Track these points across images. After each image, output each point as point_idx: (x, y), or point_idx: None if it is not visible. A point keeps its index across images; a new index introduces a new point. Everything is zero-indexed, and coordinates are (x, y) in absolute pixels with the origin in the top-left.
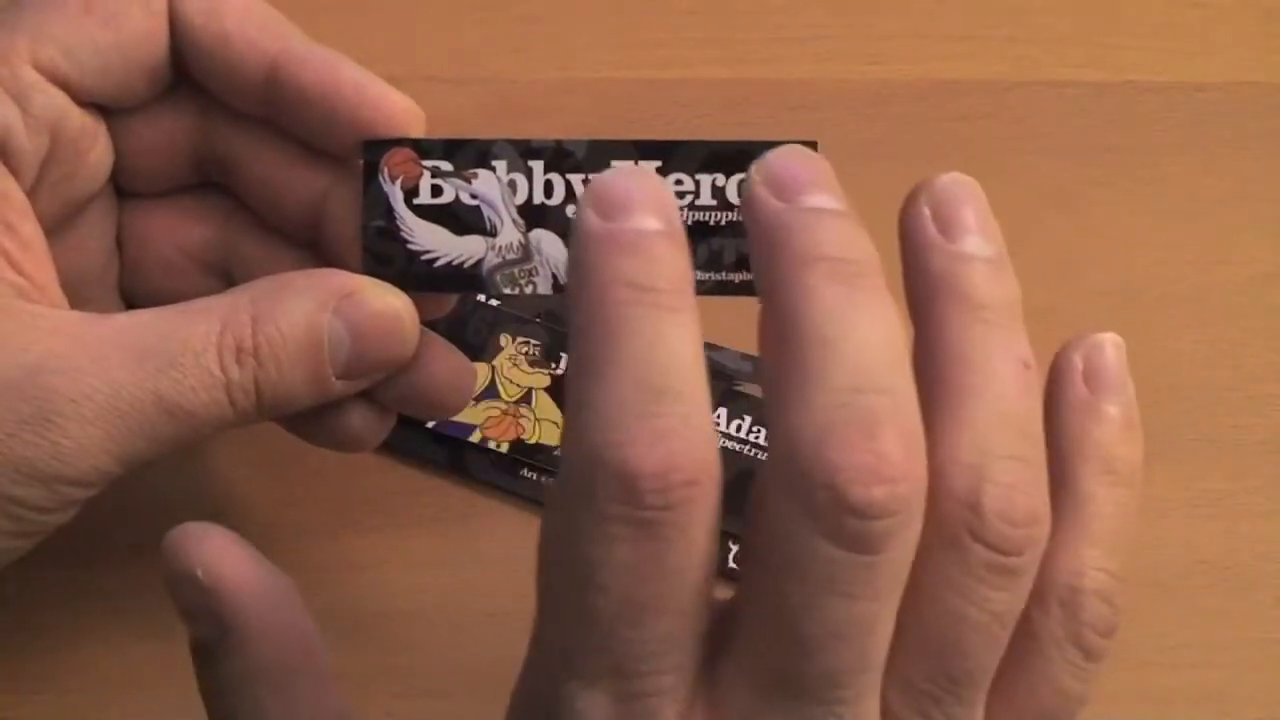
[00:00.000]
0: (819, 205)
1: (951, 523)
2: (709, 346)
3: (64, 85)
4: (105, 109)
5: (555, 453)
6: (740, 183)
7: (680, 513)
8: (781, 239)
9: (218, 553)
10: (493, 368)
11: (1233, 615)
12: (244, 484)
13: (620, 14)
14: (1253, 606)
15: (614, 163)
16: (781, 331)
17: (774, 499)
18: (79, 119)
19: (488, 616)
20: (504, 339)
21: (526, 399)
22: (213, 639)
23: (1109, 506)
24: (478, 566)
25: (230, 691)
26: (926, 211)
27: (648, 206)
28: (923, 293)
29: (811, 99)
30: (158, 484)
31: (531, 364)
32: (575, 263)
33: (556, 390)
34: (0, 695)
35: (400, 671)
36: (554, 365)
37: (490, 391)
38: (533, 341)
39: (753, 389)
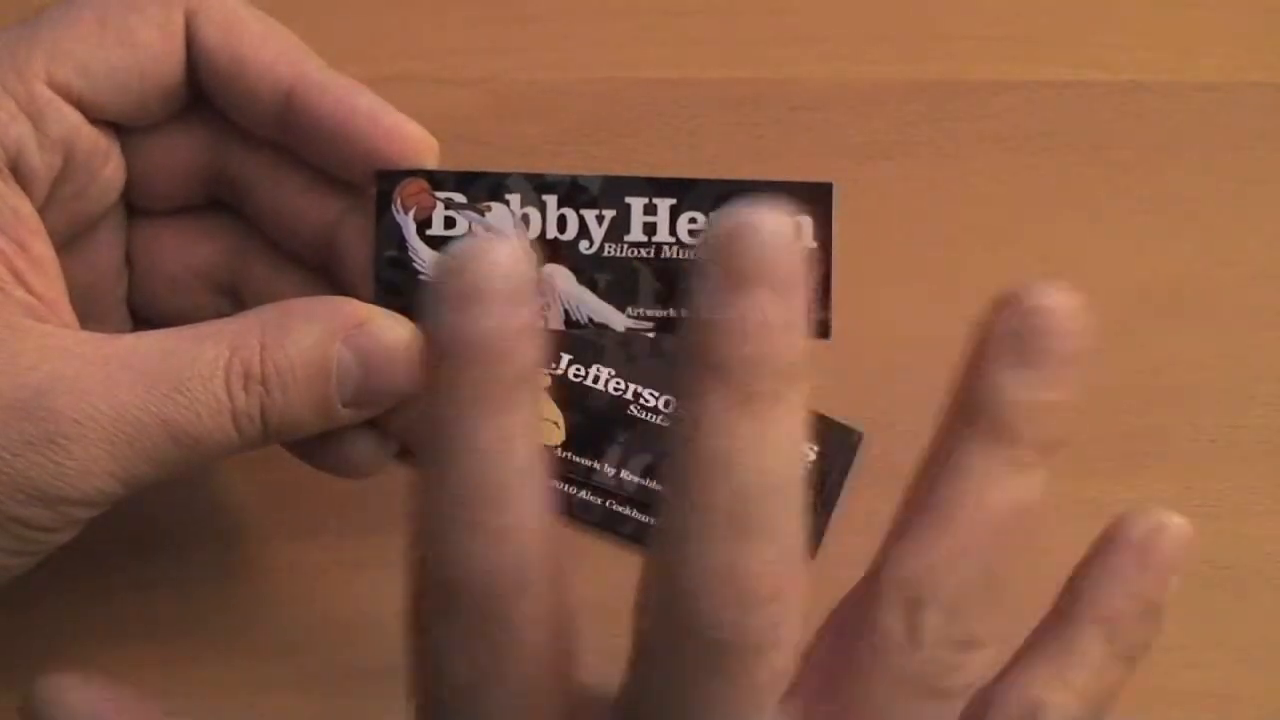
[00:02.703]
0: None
1: (888, 630)
2: None
3: (78, 104)
4: (119, 127)
5: (554, 453)
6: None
7: (513, 607)
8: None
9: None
10: None
11: (1233, 615)
12: (243, 483)
13: (620, 14)
14: (1253, 606)
15: (629, 199)
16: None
17: (645, 601)
18: (92, 137)
19: None
20: (488, 238)
21: None
22: None
23: (1098, 666)
24: None
25: None
26: (1009, 328)
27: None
28: (956, 410)
29: (811, 99)
30: (159, 483)
31: None
32: None
33: (556, 390)
34: (3, 696)
35: (400, 671)
36: (554, 365)
37: None
38: None
39: None
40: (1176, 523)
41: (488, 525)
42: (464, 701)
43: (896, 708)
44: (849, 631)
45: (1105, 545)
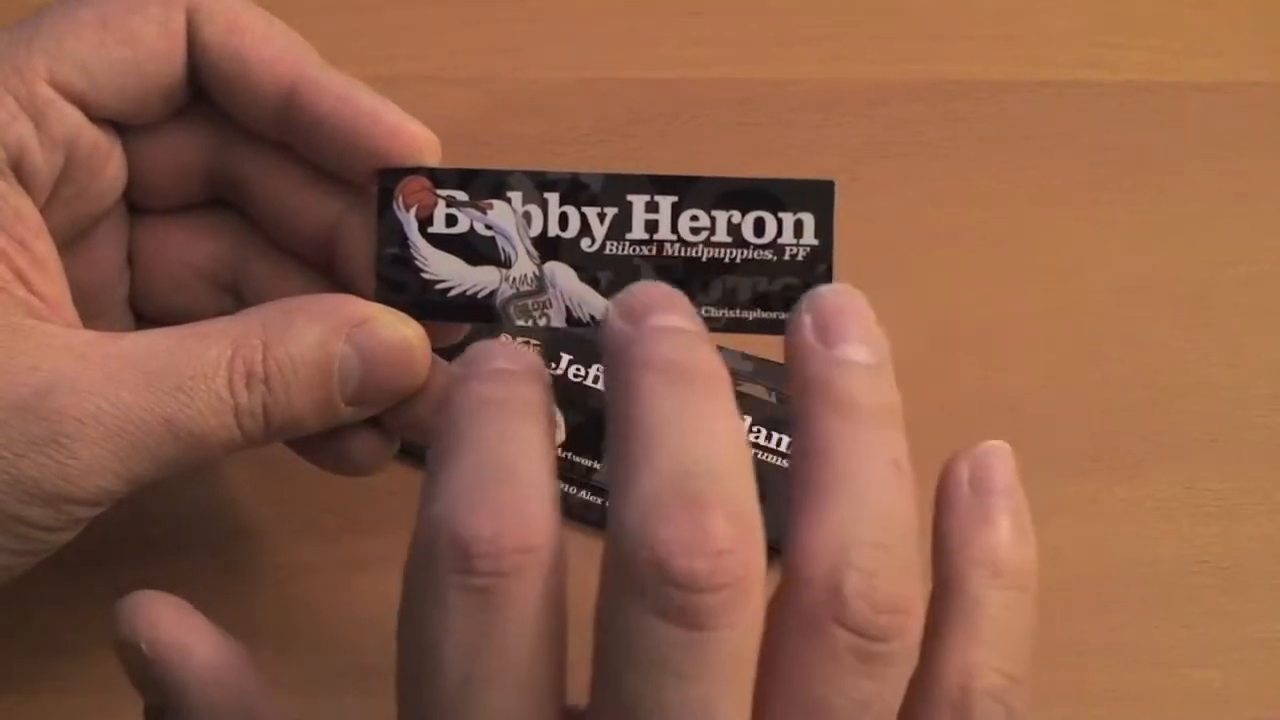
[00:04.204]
0: (664, 324)
1: (813, 610)
2: None
3: (80, 103)
4: (120, 125)
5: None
6: (756, 221)
7: (514, 581)
8: (624, 352)
9: (163, 624)
10: None
11: (1233, 615)
12: (245, 484)
13: (620, 14)
14: (1253, 606)
15: (631, 197)
16: (615, 429)
17: (605, 583)
18: (94, 136)
19: None
20: (504, 338)
21: None
22: (159, 708)
23: (998, 609)
24: None
25: None
26: (807, 320)
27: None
28: (797, 396)
29: (812, 99)
30: (160, 483)
31: None
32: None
33: (556, 390)
34: (3, 696)
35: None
36: (553, 365)
37: None
38: (532, 341)
39: (754, 389)
40: (989, 444)
41: (499, 497)
42: (457, 691)
43: (830, 679)
44: (775, 630)
45: (943, 498)
